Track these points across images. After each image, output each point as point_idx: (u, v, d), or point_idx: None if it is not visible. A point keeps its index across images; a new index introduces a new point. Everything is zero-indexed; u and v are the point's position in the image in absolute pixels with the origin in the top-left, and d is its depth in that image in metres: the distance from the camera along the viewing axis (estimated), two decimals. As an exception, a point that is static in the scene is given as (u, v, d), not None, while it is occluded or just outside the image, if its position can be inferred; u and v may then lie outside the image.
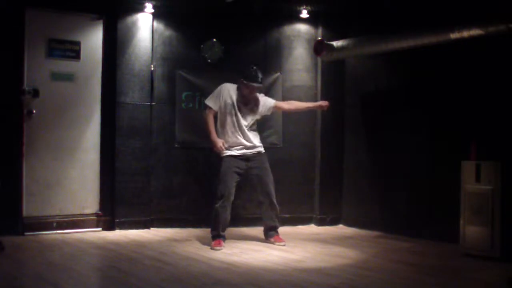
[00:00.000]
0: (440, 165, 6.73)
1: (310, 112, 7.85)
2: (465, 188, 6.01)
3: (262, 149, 6.57)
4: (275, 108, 6.71)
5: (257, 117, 6.59)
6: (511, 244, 5.72)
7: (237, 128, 6.43)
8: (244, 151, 6.43)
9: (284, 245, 6.41)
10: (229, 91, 6.48)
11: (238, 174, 6.42)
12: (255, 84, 6.41)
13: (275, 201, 6.54)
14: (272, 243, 6.49)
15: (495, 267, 5.56)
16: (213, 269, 5.30)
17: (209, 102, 6.50)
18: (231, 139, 6.42)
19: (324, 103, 6.78)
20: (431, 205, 6.83)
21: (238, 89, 6.49)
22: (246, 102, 6.47)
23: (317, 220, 7.91)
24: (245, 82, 6.38)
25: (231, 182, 6.37)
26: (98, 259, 6.01)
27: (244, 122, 6.44)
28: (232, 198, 6.39)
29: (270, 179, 6.53)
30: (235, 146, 6.42)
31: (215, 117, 6.51)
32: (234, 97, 6.45)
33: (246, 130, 6.44)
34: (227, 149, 6.41)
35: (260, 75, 6.44)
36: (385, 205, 7.41)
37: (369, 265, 5.59)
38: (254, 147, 6.48)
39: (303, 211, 7.92)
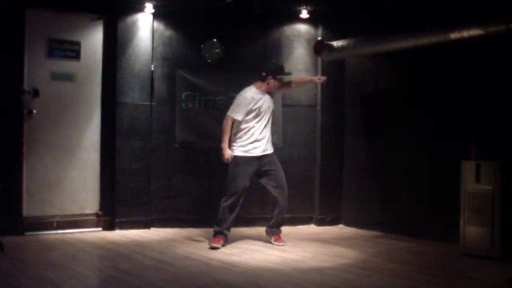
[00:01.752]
0: (440, 165, 6.73)
1: (310, 112, 7.88)
2: (465, 188, 6.01)
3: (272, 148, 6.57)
4: (283, 90, 6.77)
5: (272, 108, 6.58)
6: (511, 244, 5.72)
7: (260, 130, 6.39)
8: (261, 152, 6.39)
9: (283, 245, 6.41)
10: (252, 98, 6.37)
11: (251, 175, 6.39)
12: (286, 77, 6.54)
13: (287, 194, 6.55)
14: (271, 242, 6.49)
15: (495, 267, 5.56)
16: (213, 269, 5.30)
17: (234, 114, 6.32)
18: (251, 139, 6.36)
19: (321, 78, 6.82)
20: (431, 205, 6.82)
21: (260, 87, 6.44)
22: (272, 96, 6.53)
23: (317, 220, 7.91)
24: (278, 77, 6.43)
25: (244, 182, 6.32)
26: (98, 259, 6.01)
27: (265, 122, 6.42)
28: (242, 198, 6.35)
29: (282, 173, 6.53)
30: (253, 147, 6.37)
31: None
32: (258, 99, 6.38)
33: (268, 129, 6.44)
34: (243, 150, 6.37)
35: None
36: (385, 205, 7.41)
37: (369, 265, 5.59)
38: (269, 148, 6.47)
39: (303, 211, 7.92)
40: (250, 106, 6.33)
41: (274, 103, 6.70)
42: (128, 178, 7.31)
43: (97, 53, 7.32)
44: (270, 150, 6.49)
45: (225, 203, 6.34)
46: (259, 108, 6.37)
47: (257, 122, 6.38)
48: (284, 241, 6.50)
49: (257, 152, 6.38)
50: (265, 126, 6.43)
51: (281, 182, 6.50)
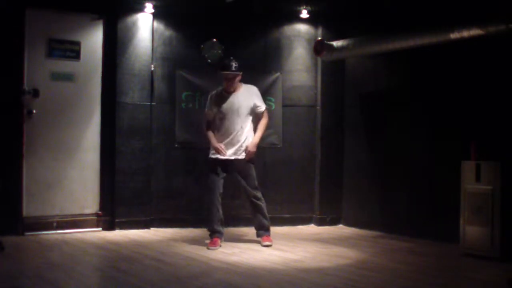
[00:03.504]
0: (440, 165, 6.73)
1: (310, 112, 7.89)
2: (465, 188, 6.01)
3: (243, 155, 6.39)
4: (258, 114, 6.51)
5: (246, 112, 6.40)
6: (511, 244, 5.72)
7: (224, 131, 6.38)
8: (226, 156, 6.34)
9: (270, 245, 6.35)
10: (212, 96, 6.49)
11: (222, 169, 6.40)
12: (228, 72, 6.37)
13: (255, 200, 6.44)
14: (260, 242, 6.46)
15: (495, 267, 5.56)
16: (213, 269, 5.30)
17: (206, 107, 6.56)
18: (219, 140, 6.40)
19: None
20: (431, 205, 6.82)
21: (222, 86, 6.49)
22: (227, 93, 6.41)
23: (317, 220, 7.91)
24: (221, 72, 6.41)
25: (215, 176, 6.34)
26: (98, 259, 6.01)
27: (230, 123, 6.36)
28: (218, 191, 6.34)
29: (248, 181, 6.40)
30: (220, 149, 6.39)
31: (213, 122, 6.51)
32: (219, 99, 6.43)
33: (234, 132, 6.36)
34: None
35: (234, 64, 6.40)
36: (385, 205, 7.41)
37: (369, 265, 5.60)
38: (237, 152, 6.36)
39: (303, 211, 7.92)
40: (211, 105, 6.48)
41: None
42: (128, 178, 7.31)
43: (97, 53, 7.32)
44: (236, 156, 6.44)
45: (206, 199, 6.45)
46: (219, 108, 6.44)
47: (219, 121, 6.47)
48: (271, 241, 6.43)
49: (219, 156, 6.44)
50: (225, 128, 6.44)
51: (244, 190, 6.51)
